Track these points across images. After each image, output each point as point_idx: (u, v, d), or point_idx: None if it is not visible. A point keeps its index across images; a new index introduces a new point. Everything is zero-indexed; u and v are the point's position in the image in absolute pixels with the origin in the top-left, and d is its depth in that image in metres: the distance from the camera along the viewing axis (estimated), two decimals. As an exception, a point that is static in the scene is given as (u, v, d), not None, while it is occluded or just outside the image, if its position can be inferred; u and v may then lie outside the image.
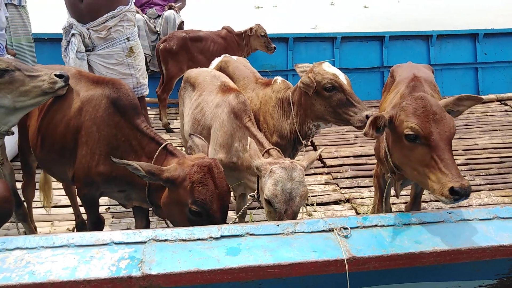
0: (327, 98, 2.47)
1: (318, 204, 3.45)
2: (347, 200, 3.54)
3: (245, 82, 3.14)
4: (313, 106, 2.55)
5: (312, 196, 3.55)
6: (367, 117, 2.31)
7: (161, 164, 1.98)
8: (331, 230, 1.58)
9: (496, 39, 6.52)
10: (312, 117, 2.60)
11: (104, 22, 3.42)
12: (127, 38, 3.59)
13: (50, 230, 3.08)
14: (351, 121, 2.45)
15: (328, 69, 2.51)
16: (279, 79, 2.89)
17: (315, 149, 4.30)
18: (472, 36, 6.49)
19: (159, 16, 5.58)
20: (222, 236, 1.53)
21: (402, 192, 3.12)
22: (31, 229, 2.74)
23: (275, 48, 5.30)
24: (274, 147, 2.26)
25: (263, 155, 2.19)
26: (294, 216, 1.93)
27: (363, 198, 3.56)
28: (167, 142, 2.07)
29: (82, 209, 2.86)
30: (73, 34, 3.48)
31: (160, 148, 2.03)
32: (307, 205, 3.40)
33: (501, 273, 1.75)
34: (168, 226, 2.19)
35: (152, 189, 2.02)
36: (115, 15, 3.45)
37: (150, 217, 2.55)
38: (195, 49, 5.05)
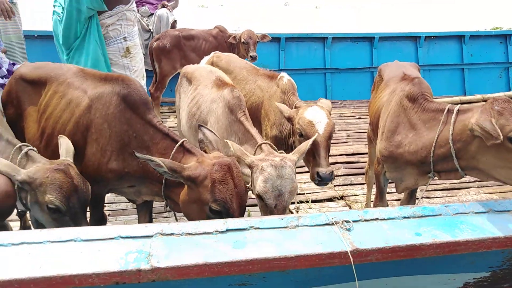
0: (298, 140, 2.47)
1: (313, 201, 3.50)
2: (341, 197, 3.60)
3: (244, 73, 3.14)
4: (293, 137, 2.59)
5: (306, 193, 3.60)
6: (318, 174, 2.30)
7: (178, 161, 1.98)
8: (334, 223, 1.62)
9: (481, 41, 6.69)
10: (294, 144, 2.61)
11: (101, 20, 3.39)
12: (124, 38, 3.55)
13: (44, 229, 3.05)
14: (309, 170, 2.44)
15: (309, 115, 2.43)
16: (285, 77, 2.89)
17: None
18: (459, 38, 6.64)
19: (151, 14, 5.57)
20: (228, 230, 1.55)
21: (390, 190, 3.20)
22: (26, 227, 2.72)
23: (252, 57, 4.88)
24: (266, 141, 2.28)
25: (255, 150, 2.23)
26: (284, 210, 1.99)
27: (357, 195, 3.63)
28: (183, 139, 2.07)
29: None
30: None
31: (177, 145, 2.03)
32: (302, 202, 3.45)
33: (494, 266, 1.81)
34: (177, 220, 2.20)
35: (168, 184, 2.02)
36: (113, 14, 3.42)
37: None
38: (188, 47, 5.06)
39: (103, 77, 2.27)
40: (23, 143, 2.03)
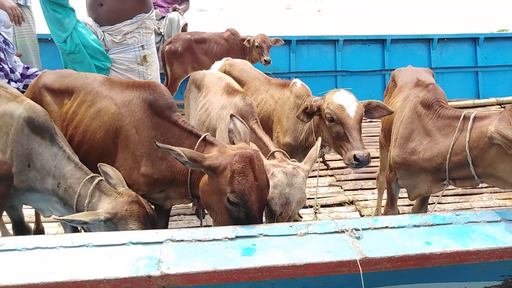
0: (328, 127, 2.47)
1: (322, 206, 3.49)
2: (351, 202, 3.58)
3: (256, 84, 3.14)
4: (320, 128, 2.58)
5: (316, 198, 3.59)
6: (355, 157, 2.27)
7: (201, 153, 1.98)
8: (343, 231, 1.62)
9: (496, 43, 6.58)
10: (321, 136, 2.59)
11: (119, 28, 3.44)
12: (142, 46, 3.60)
13: (57, 230, 3.10)
14: (343, 156, 2.41)
15: (338, 99, 2.43)
16: (298, 82, 2.88)
17: (324, 163, 4.29)
18: (473, 40, 6.55)
19: (162, 17, 5.62)
20: (237, 237, 1.57)
21: (401, 195, 3.17)
22: (39, 229, 2.77)
23: (266, 61, 4.93)
24: (279, 149, 2.27)
25: (268, 157, 2.22)
26: (288, 220, 1.96)
27: (367, 200, 3.61)
28: (206, 134, 2.13)
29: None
30: None
31: (199, 140, 2.07)
32: (311, 206, 3.44)
33: (506, 275, 1.79)
34: (201, 225, 2.25)
35: (194, 182, 2.06)
36: (133, 22, 3.46)
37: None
38: (199, 50, 5.09)
39: (130, 84, 2.33)
40: (94, 174, 2.06)
